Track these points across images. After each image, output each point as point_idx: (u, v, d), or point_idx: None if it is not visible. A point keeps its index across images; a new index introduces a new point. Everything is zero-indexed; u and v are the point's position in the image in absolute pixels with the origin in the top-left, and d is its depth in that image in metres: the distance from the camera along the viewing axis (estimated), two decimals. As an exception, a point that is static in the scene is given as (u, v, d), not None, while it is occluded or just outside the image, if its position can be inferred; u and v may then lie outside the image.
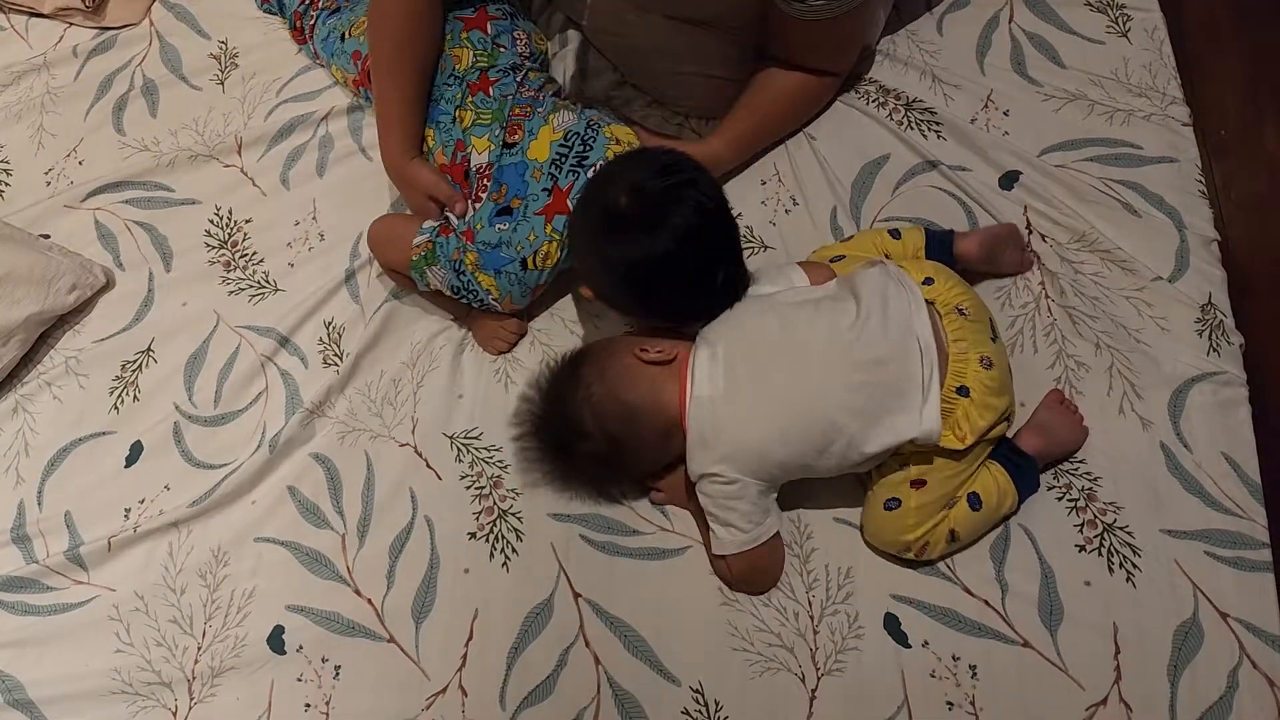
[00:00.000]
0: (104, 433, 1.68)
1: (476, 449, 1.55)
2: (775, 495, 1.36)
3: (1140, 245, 1.54)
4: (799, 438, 1.30)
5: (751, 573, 1.38)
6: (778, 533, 1.37)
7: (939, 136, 1.68)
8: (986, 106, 1.71)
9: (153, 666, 1.48)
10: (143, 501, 1.61)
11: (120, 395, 1.71)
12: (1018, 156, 1.63)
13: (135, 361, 1.74)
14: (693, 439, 1.34)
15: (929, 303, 1.34)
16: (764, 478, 1.32)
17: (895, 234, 1.51)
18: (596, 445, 1.37)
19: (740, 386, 1.32)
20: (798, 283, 1.44)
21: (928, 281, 1.37)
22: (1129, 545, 1.35)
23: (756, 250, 1.65)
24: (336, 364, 1.65)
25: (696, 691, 1.35)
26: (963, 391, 1.29)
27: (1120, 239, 1.54)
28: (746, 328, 1.38)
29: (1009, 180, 1.62)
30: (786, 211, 1.67)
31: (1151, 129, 1.63)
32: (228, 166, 1.92)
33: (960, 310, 1.34)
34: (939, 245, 1.48)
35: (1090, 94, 1.68)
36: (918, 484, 1.31)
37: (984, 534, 1.38)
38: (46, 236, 1.87)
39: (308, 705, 1.42)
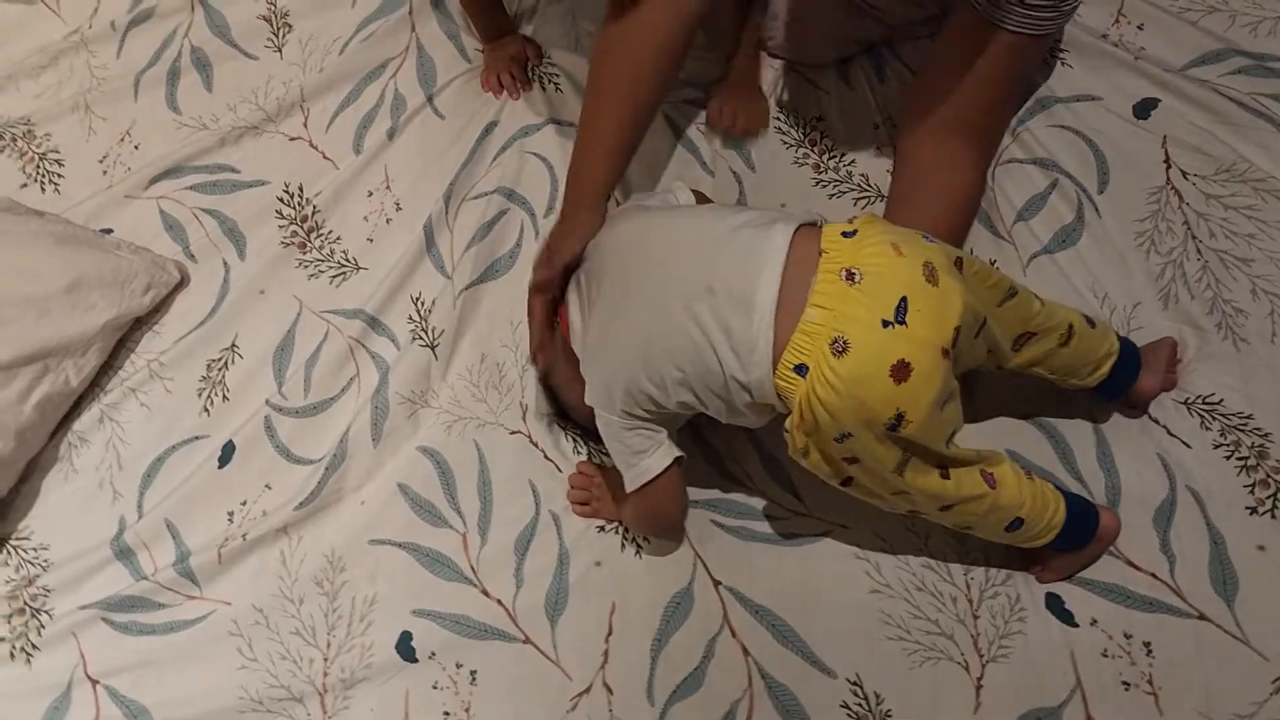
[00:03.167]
0: (197, 437, 1.61)
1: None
2: (660, 434, 1.26)
3: (1297, 171, 1.43)
4: (636, 360, 1.20)
5: (643, 516, 1.37)
6: (666, 474, 1.27)
7: (1063, 64, 1.57)
8: (1118, 21, 1.59)
9: (280, 681, 1.43)
10: (244, 503, 1.55)
11: (209, 395, 1.64)
12: (1153, 80, 1.52)
13: (220, 359, 1.66)
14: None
15: (821, 252, 1.12)
16: (622, 412, 1.24)
17: (1090, 322, 1.29)
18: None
19: (588, 317, 1.29)
20: (683, 200, 1.38)
21: (848, 235, 1.14)
22: (1305, 506, 1.28)
23: (873, 200, 1.55)
24: (428, 342, 1.57)
25: (854, 684, 1.30)
26: (801, 370, 1.10)
27: (1274, 166, 1.44)
28: (602, 249, 1.32)
29: (1144, 108, 1.51)
30: (901, 156, 1.56)
31: (1303, 38, 1.51)
32: (294, 140, 1.81)
33: (850, 275, 1.09)
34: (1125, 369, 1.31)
35: (1232, 3, 1.55)
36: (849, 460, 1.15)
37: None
38: (109, 231, 1.77)
39: (447, 713, 1.38)
